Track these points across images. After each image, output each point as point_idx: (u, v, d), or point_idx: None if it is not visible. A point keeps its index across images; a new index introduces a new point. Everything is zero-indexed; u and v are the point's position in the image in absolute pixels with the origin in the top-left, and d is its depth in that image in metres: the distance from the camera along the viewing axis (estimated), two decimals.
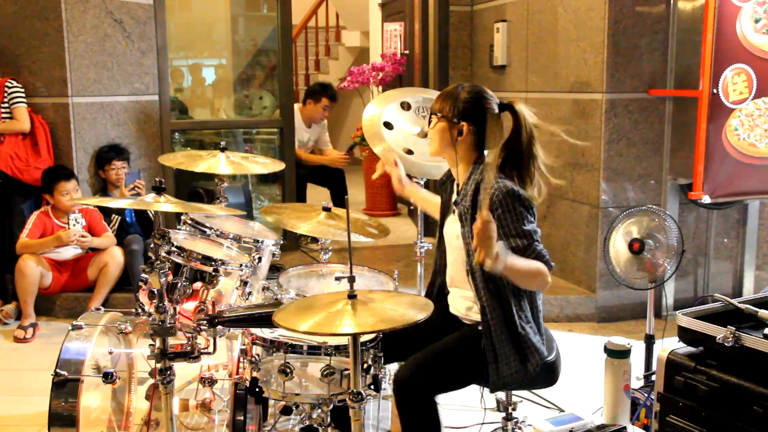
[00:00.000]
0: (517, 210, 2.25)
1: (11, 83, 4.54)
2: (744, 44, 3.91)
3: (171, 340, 2.16)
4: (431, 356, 2.34)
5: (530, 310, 2.36)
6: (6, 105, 4.52)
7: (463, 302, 2.46)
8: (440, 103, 2.44)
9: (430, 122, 2.49)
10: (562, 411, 3.20)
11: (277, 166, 3.20)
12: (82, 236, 4.34)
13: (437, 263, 2.62)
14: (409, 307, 1.96)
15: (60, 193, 4.34)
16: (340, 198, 5.55)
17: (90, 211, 4.50)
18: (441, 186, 2.60)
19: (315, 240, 5.62)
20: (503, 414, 2.59)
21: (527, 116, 2.38)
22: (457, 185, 2.47)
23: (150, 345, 2.15)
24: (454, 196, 2.47)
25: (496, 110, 2.39)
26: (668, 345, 2.56)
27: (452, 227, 2.45)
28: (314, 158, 5.96)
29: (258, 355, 2.35)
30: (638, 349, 3.07)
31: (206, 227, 2.89)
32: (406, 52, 6.71)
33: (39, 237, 4.33)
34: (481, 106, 2.37)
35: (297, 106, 5.88)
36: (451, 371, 2.34)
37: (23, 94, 4.56)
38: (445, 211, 2.56)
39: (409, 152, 3.18)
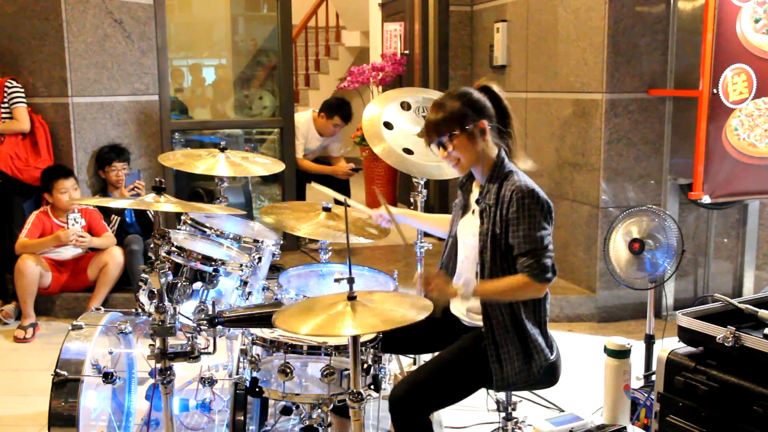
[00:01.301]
0: (531, 213, 2.27)
1: (11, 83, 4.54)
2: (744, 44, 3.91)
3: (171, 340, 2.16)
4: (427, 375, 2.33)
5: (537, 313, 2.36)
6: (6, 105, 4.52)
7: (466, 302, 2.45)
8: (440, 126, 2.35)
9: (442, 147, 2.38)
10: (562, 411, 3.20)
11: (277, 167, 3.20)
12: (81, 236, 4.33)
13: (444, 263, 2.60)
14: (409, 308, 1.96)
15: (58, 191, 4.34)
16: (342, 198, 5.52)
17: (90, 212, 4.50)
18: (461, 187, 2.58)
19: (314, 240, 5.62)
20: (503, 414, 2.59)
21: (501, 92, 2.43)
22: (479, 184, 2.46)
23: (150, 345, 2.15)
24: (474, 195, 2.47)
25: (482, 95, 2.40)
26: (668, 345, 2.56)
27: (469, 225, 2.45)
28: (318, 168, 5.88)
29: (258, 355, 2.35)
30: (638, 349, 3.07)
31: (206, 227, 2.89)
32: (406, 52, 6.71)
33: (38, 237, 4.33)
34: (476, 100, 2.38)
35: (313, 114, 5.82)
36: (445, 390, 2.33)
37: (23, 94, 4.56)
38: (464, 211, 2.54)
39: (409, 152, 3.18)
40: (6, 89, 4.52)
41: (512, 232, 2.28)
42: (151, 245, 2.17)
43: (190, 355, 2.20)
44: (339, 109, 5.73)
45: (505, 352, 2.30)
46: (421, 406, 2.28)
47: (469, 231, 2.43)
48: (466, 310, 2.46)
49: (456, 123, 2.33)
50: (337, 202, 5.39)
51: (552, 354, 2.39)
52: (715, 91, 3.90)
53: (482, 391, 2.44)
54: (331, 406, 2.35)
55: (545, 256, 2.28)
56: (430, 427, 2.31)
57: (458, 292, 2.32)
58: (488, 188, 2.36)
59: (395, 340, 2.49)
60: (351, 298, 1.96)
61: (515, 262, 2.30)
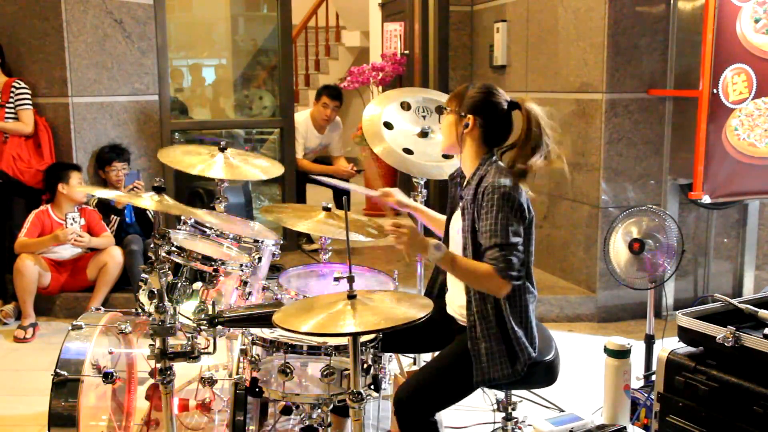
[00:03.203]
0: (499, 207, 2.22)
1: (18, 83, 4.54)
2: (744, 44, 3.91)
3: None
4: (428, 376, 2.33)
5: (520, 314, 2.35)
6: (11, 105, 4.52)
7: (459, 301, 2.45)
8: (450, 99, 2.48)
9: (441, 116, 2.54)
10: (562, 411, 3.20)
11: (277, 170, 3.20)
12: (80, 236, 4.33)
13: None
14: (409, 306, 1.96)
15: (75, 180, 4.36)
16: (342, 199, 5.51)
17: (89, 212, 4.50)
18: (451, 181, 2.60)
19: (310, 240, 5.62)
20: (503, 414, 2.59)
21: (539, 115, 2.36)
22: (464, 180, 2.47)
23: (150, 345, 2.15)
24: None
25: (505, 106, 2.39)
26: (668, 345, 2.56)
27: (457, 222, 2.45)
28: (318, 168, 5.86)
29: (258, 355, 2.35)
30: (638, 349, 3.07)
31: (206, 227, 2.89)
32: (406, 52, 6.71)
33: (38, 236, 4.33)
34: (488, 101, 2.38)
35: (309, 112, 5.82)
36: (447, 390, 2.33)
37: (29, 97, 4.55)
38: (453, 207, 2.55)
39: (409, 152, 3.18)
40: (13, 89, 4.52)
41: (480, 228, 2.25)
42: (151, 245, 2.17)
43: (190, 355, 2.20)
44: (325, 89, 5.74)
45: (488, 352, 2.27)
46: (426, 407, 2.28)
47: (456, 227, 2.45)
48: (458, 308, 2.46)
49: (454, 103, 2.44)
50: (337, 194, 5.37)
51: (550, 352, 2.39)
52: (715, 91, 3.90)
53: (482, 391, 2.44)
54: (331, 406, 2.35)
55: (512, 253, 2.20)
56: (436, 428, 2.30)
57: (428, 247, 2.23)
58: (469, 183, 2.37)
59: (394, 340, 2.49)
60: (351, 296, 1.96)
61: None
